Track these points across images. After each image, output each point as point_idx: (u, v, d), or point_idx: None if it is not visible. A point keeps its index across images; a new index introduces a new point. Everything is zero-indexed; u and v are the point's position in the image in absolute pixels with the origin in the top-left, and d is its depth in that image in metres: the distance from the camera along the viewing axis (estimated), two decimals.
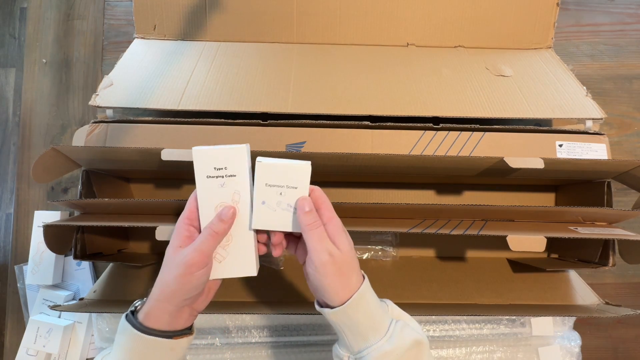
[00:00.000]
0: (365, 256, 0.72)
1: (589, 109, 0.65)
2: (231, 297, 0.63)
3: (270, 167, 0.38)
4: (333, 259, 0.38)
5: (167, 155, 0.53)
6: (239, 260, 0.41)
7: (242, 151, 0.39)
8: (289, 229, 0.40)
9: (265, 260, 0.68)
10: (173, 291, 0.38)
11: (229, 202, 0.40)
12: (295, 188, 0.39)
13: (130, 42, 0.77)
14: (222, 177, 0.39)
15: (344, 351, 0.41)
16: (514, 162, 0.54)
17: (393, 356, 0.38)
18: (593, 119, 0.64)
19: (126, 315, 0.40)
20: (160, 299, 0.39)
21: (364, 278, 0.41)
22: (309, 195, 0.40)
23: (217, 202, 0.40)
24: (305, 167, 0.39)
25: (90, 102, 0.63)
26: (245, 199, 0.40)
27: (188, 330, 0.42)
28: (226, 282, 0.45)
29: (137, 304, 0.42)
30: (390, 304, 0.43)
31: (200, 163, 0.39)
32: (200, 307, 0.43)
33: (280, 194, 0.39)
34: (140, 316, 0.40)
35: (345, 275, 0.39)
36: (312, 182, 0.41)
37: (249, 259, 0.41)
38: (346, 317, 0.39)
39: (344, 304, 0.39)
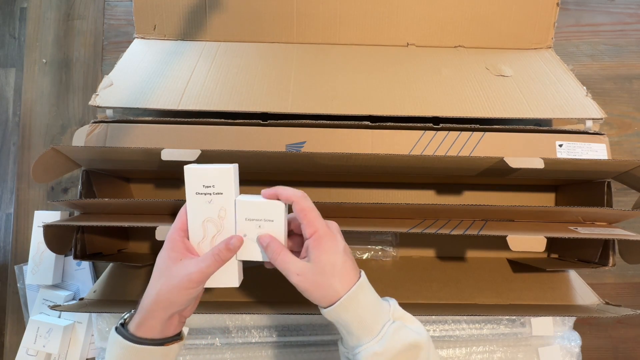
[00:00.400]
0: (365, 256, 0.72)
1: (589, 109, 0.65)
2: (231, 297, 0.63)
3: (249, 204, 0.42)
4: (303, 278, 0.40)
5: (167, 155, 0.53)
6: (223, 272, 0.44)
7: (229, 171, 0.42)
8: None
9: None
10: (170, 301, 0.40)
11: (215, 218, 0.42)
12: (272, 221, 0.42)
13: (130, 42, 0.77)
14: (210, 194, 0.42)
15: (343, 347, 0.43)
16: (514, 162, 0.54)
17: (384, 358, 0.38)
18: (593, 119, 0.64)
19: (116, 328, 0.41)
20: (154, 308, 0.40)
21: (358, 278, 0.41)
22: (294, 206, 0.42)
23: (205, 217, 0.42)
24: (280, 205, 0.42)
25: (90, 102, 0.63)
26: (230, 215, 0.43)
27: (178, 337, 0.43)
28: None
29: (125, 317, 0.43)
30: (393, 304, 0.43)
31: (190, 180, 0.42)
32: (189, 314, 0.45)
33: (259, 226, 0.42)
34: (132, 327, 0.41)
35: (322, 287, 0.40)
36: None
37: (232, 271, 0.44)
38: (337, 316, 0.40)
39: (331, 305, 0.40)
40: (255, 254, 0.43)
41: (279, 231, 0.42)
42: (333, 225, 0.43)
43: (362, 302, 0.40)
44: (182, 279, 0.40)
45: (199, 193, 0.42)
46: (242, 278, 0.46)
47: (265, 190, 0.43)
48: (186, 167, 0.42)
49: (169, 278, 0.40)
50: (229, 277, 0.44)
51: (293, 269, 0.40)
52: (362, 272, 0.42)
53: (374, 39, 0.79)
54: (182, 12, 0.77)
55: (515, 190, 0.74)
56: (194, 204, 0.42)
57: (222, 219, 0.42)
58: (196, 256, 0.43)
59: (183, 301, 0.41)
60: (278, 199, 0.42)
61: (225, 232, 0.43)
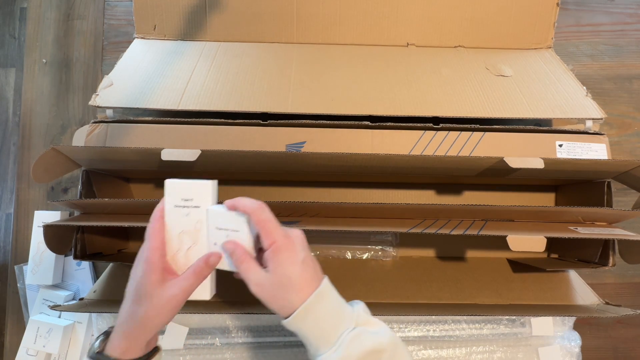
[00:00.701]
0: (365, 256, 0.72)
1: (589, 109, 0.65)
2: (231, 297, 0.63)
3: (218, 214, 0.43)
4: (261, 288, 0.40)
5: (167, 155, 0.53)
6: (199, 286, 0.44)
7: (207, 186, 0.43)
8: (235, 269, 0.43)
9: None
10: (156, 325, 0.40)
11: (192, 230, 0.43)
12: (238, 231, 0.43)
13: (130, 42, 0.77)
14: (188, 207, 0.43)
15: (308, 355, 0.42)
16: (514, 162, 0.54)
17: None
18: (593, 119, 0.64)
19: (93, 358, 0.40)
20: (139, 333, 0.40)
21: (318, 286, 0.41)
22: (251, 218, 0.41)
23: (181, 229, 0.44)
24: (244, 215, 0.42)
25: (90, 102, 0.63)
26: (205, 228, 0.44)
27: (157, 348, 0.44)
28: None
29: (96, 344, 0.42)
30: (357, 309, 0.42)
31: (170, 193, 0.43)
32: (164, 327, 0.45)
33: (227, 236, 0.43)
34: (117, 353, 0.40)
35: (279, 299, 0.40)
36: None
37: (205, 284, 0.44)
38: (295, 327, 0.40)
39: (288, 317, 0.40)
40: (224, 263, 0.44)
41: (244, 241, 0.43)
42: (295, 234, 0.42)
43: (320, 312, 0.40)
44: (168, 301, 0.40)
45: (177, 206, 0.43)
46: (214, 292, 0.46)
47: (227, 201, 0.42)
48: (167, 181, 0.43)
49: (152, 302, 0.39)
50: (202, 290, 0.44)
51: (253, 278, 0.40)
52: (324, 280, 0.42)
53: (374, 39, 0.79)
54: (182, 12, 0.77)
55: (515, 190, 0.74)
56: (172, 216, 0.43)
57: (197, 231, 0.43)
58: (173, 275, 0.42)
59: (168, 321, 0.41)
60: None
61: (200, 244, 0.44)
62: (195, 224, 0.43)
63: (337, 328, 0.40)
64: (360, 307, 0.43)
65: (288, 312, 0.40)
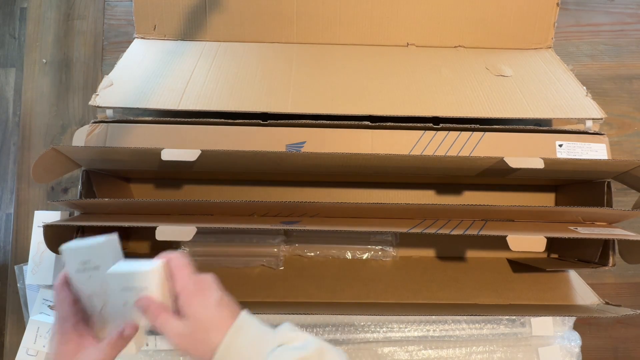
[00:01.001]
0: (365, 256, 0.72)
1: (589, 109, 0.65)
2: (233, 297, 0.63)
3: (123, 275, 0.41)
4: (182, 337, 0.40)
5: (167, 155, 0.53)
6: None
7: (102, 245, 0.41)
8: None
9: (266, 261, 0.68)
10: None
11: (98, 292, 0.42)
12: (147, 288, 0.41)
13: (130, 42, 0.77)
14: (88, 270, 0.41)
15: None
16: (514, 162, 0.54)
17: None
18: (593, 119, 0.64)
19: None
20: None
21: (235, 318, 0.41)
22: (171, 262, 0.42)
23: (89, 292, 0.42)
24: (154, 271, 0.41)
25: (90, 102, 0.63)
26: (110, 287, 0.42)
27: None
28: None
29: None
30: (281, 330, 0.42)
31: (68, 259, 0.41)
32: None
33: (136, 295, 0.41)
34: None
35: (202, 342, 0.40)
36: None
37: (130, 344, 0.42)
38: None
39: (213, 357, 0.39)
40: (142, 321, 0.42)
41: (156, 296, 0.41)
42: (207, 278, 0.43)
43: (241, 344, 0.40)
44: None
45: (78, 270, 0.41)
46: (143, 345, 0.45)
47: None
48: (62, 248, 0.41)
49: None
50: (128, 349, 0.42)
51: (173, 328, 0.40)
52: (241, 313, 0.42)
53: (374, 39, 0.79)
54: (182, 12, 0.77)
55: (515, 190, 0.74)
56: (77, 281, 0.42)
57: (104, 291, 0.42)
58: (90, 343, 0.41)
59: None
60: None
61: (111, 303, 0.42)
62: (100, 285, 0.42)
63: (261, 354, 0.39)
64: (284, 327, 0.43)
65: (210, 354, 0.39)
